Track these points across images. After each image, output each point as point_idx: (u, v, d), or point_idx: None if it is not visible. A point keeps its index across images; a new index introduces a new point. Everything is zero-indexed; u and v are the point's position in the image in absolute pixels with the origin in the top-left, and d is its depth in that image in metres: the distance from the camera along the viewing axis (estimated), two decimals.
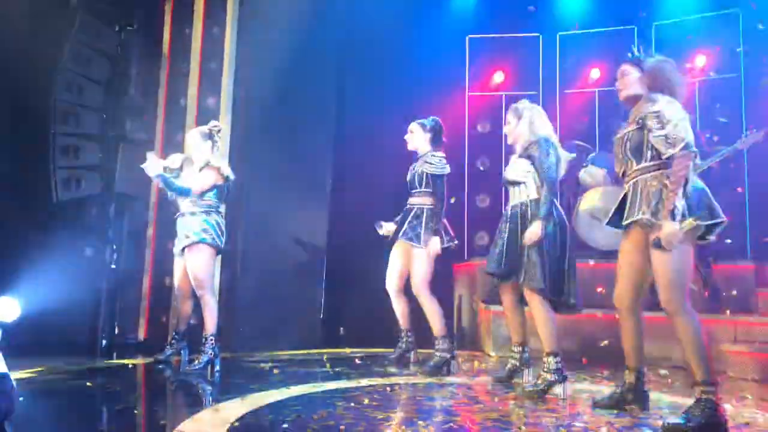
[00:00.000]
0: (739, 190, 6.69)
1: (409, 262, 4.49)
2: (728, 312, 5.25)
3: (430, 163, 4.47)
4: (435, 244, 4.36)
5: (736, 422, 3.06)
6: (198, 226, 4.28)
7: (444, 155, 4.53)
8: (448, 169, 4.49)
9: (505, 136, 4.05)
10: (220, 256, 4.68)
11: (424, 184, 4.47)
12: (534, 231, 3.59)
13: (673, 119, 2.91)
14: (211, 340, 4.25)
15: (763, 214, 6.54)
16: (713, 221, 2.89)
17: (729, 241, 5.77)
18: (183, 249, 4.34)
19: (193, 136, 4.52)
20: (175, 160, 4.56)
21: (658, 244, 2.86)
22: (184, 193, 4.31)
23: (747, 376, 4.56)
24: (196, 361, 4.24)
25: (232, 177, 4.43)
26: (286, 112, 6.05)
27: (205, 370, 4.17)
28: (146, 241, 5.66)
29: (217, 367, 4.24)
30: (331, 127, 6.76)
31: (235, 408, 3.07)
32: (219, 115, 5.57)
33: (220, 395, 3.60)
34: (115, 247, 5.35)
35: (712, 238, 2.95)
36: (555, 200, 3.72)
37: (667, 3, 7.46)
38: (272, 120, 5.97)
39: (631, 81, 3.16)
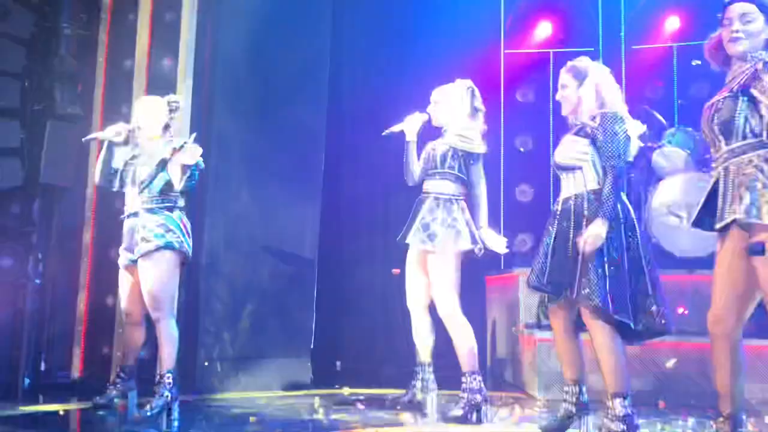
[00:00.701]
0: None
1: (427, 272, 4.52)
2: None
3: (464, 137, 4.49)
4: (462, 244, 4.38)
5: None
6: (160, 226, 4.27)
7: (482, 129, 4.58)
8: (484, 149, 4.55)
9: (558, 105, 4.02)
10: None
11: (447, 164, 4.51)
12: (595, 233, 3.54)
13: None
14: (168, 378, 4.21)
15: None
16: None
17: None
18: (136, 259, 4.32)
19: (147, 105, 4.55)
20: (119, 131, 4.50)
21: (756, 250, 2.88)
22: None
23: None
24: (148, 406, 4.19)
25: (201, 164, 4.43)
26: (267, 79, 6.05)
27: (159, 418, 4.12)
28: (82, 248, 5.65)
29: (176, 414, 4.20)
30: (323, 99, 6.75)
31: None
32: (176, 83, 5.54)
33: None
34: (40, 256, 5.33)
35: None
36: (622, 193, 3.71)
37: None
38: (247, 90, 5.97)
39: (755, 28, 3.13)
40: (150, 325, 4.39)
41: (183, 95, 5.28)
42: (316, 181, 6.63)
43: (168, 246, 4.24)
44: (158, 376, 4.25)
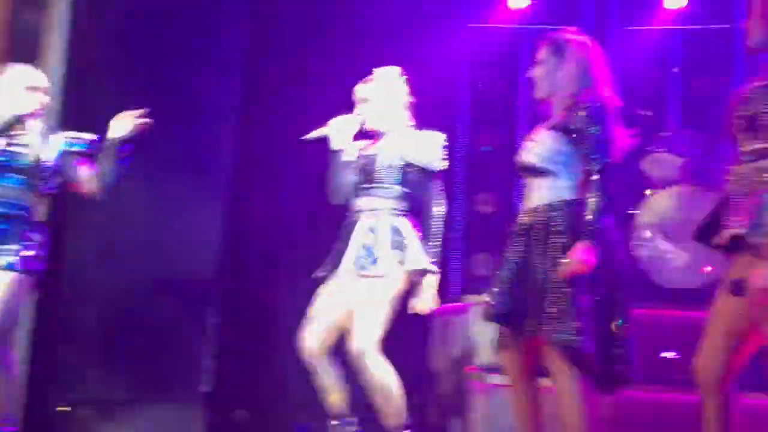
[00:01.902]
0: None
1: (351, 303, 4.49)
2: None
3: (415, 146, 4.56)
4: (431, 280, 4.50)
5: None
6: (12, 241, 4.25)
7: (444, 135, 4.63)
8: (445, 163, 4.61)
9: (528, 96, 3.98)
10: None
11: (393, 177, 4.56)
12: (580, 259, 3.48)
13: None
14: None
15: None
16: None
17: None
18: None
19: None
20: None
21: (737, 290, 3.01)
22: None
23: None
24: None
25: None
26: (162, 48, 6.10)
27: None
28: None
29: None
30: (234, 81, 6.77)
31: None
32: (43, 45, 5.53)
33: None
34: None
35: None
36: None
37: None
38: (136, 59, 6.01)
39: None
40: None
41: (51, 66, 5.32)
42: (220, 180, 6.66)
43: (9, 268, 4.21)
44: None
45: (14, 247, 4.23)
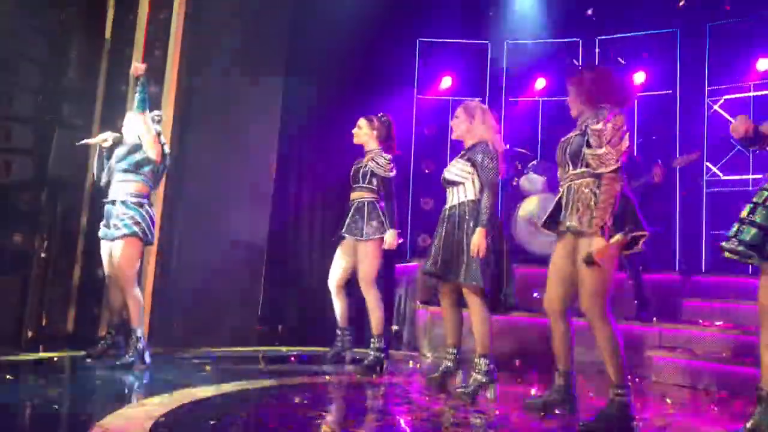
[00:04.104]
0: (683, 194, 6.97)
1: (355, 258, 4.50)
2: (654, 320, 5.41)
3: (377, 164, 4.50)
4: (391, 236, 4.39)
5: (655, 424, 3.16)
6: (129, 217, 4.13)
7: (390, 157, 4.54)
8: (393, 173, 4.52)
9: (452, 138, 4.02)
10: (149, 248, 4.58)
11: (367, 180, 4.50)
12: (479, 241, 3.54)
13: (612, 139, 2.93)
14: (138, 333, 4.10)
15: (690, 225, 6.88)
16: (638, 233, 2.99)
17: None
18: (111, 238, 4.19)
19: (134, 116, 4.37)
20: (107, 138, 4.43)
21: (588, 261, 2.91)
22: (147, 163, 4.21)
23: (669, 381, 4.73)
24: (127, 356, 4.10)
25: (168, 160, 4.35)
26: (230, 103, 5.89)
27: (134, 365, 4.02)
28: (79, 228, 5.44)
29: (148, 360, 4.09)
30: (275, 119, 6.56)
31: (163, 404, 2.98)
32: (161, 103, 5.38)
33: (147, 390, 3.51)
34: (45, 234, 5.13)
35: (637, 249, 3.04)
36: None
37: (612, 19, 7.67)
38: (215, 111, 5.80)
39: (571, 99, 3.23)
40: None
41: (165, 114, 5.13)
42: (267, 183, 6.44)
43: (133, 234, 4.11)
44: (131, 332, 4.13)
45: (136, 220, 4.13)
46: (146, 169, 4.24)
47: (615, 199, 2.93)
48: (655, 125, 7.26)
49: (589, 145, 3.01)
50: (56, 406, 3.07)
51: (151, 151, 4.22)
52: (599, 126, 2.97)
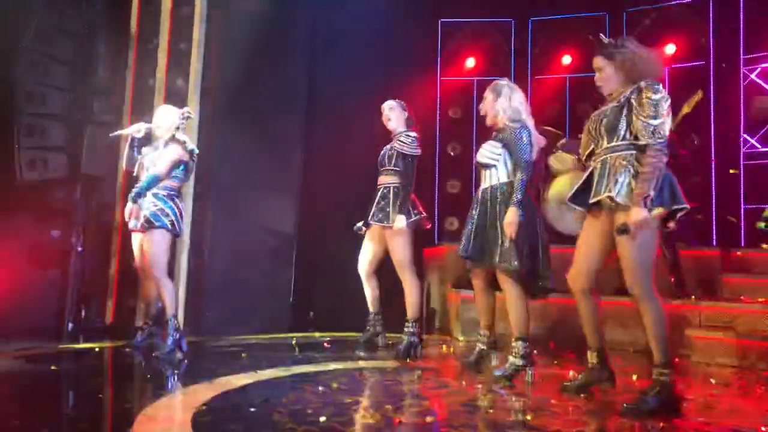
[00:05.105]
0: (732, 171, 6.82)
1: (382, 244, 4.50)
2: (693, 297, 5.31)
3: (403, 142, 4.44)
4: (400, 222, 4.33)
5: (700, 405, 3.12)
6: (159, 209, 4.17)
7: (417, 136, 4.50)
8: (419, 151, 4.47)
9: (477, 119, 3.99)
10: (182, 239, 4.65)
11: (393, 163, 4.46)
12: (512, 220, 3.50)
13: (664, 113, 2.88)
14: (173, 321, 4.15)
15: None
16: (677, 207, 2.91)
17: (700, 216, 5.89)
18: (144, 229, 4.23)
19: (164, 111, 4.42)
20: (140, 128, 4.49)
21: (623, 230, 2.85)
22: (155, 181, 4.18)
23: (711, 361, 4.64)
24: (165, 345, 4.15)
25: (196, 151, 4.35)
26: (256, 94, 5.91)
27: (172, 354, 4.07)
28: (114, 223, 5.55)
29: (185, 348, 4.14)
30: (301, 109, 6.59)
31: (203, 392, 3.04)
32: (187, 97, 5.44)
33: (187, 379, 3.56)
34: (81, 229, 5.24)
35: (673, 224, 2.97)
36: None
37: None
38: (242, 102, 5.82)
39: (607, 76, 3.12)
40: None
41: (192, 107, 5.17)
42: (295, 172, 6.50)
43: (163, 226, 4.14)
44: (166, 321, 4.17)
45: (165, 212, 4.15)
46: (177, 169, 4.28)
47: (660, 172, 2.86)
48: (685, 98, 7.09)
49: (639, 114, 2.91)
50: (101, 396, 3.13)
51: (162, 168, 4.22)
52: (657, 96, 2.88)
